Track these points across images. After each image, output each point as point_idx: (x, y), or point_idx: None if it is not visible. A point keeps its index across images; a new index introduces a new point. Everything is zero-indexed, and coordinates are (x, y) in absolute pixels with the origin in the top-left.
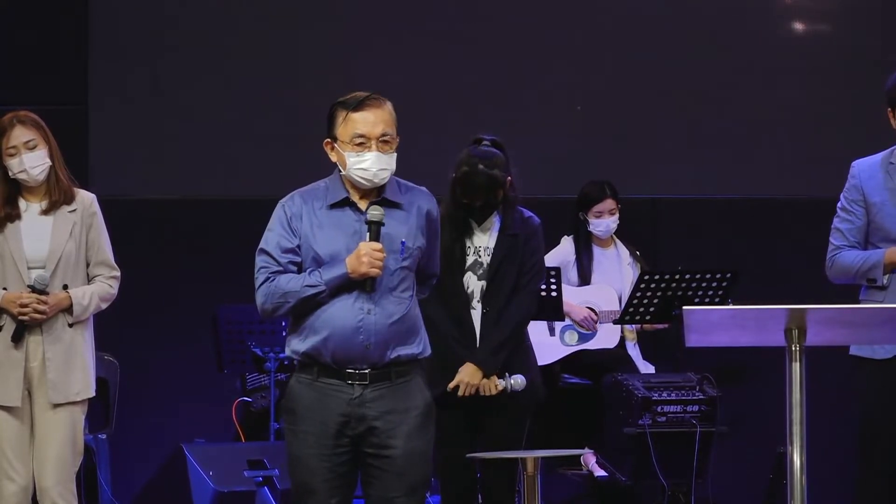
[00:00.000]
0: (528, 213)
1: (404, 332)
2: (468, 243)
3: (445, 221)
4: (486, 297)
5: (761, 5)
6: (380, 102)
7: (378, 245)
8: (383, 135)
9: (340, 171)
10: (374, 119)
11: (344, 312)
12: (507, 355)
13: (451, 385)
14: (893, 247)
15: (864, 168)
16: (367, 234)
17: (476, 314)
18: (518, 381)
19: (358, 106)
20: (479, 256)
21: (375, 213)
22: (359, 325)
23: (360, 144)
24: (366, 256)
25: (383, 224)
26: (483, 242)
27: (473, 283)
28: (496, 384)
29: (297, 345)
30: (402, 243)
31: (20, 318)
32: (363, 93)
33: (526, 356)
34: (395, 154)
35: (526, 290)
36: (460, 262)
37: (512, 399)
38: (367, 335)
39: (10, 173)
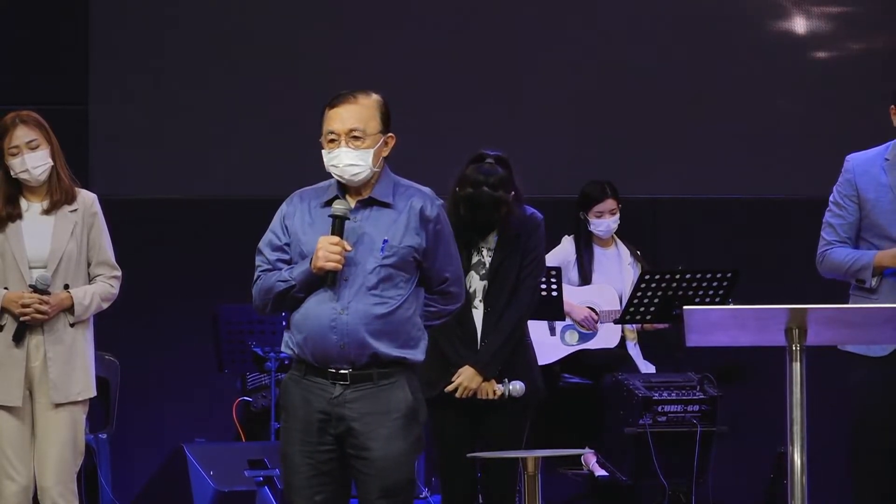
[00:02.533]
0: (530, 209)
1: (386, 333)
2: (471, 244)
3: None
4: (487, 296)
5: (761, 6)
6: (354, 98)
7: (335, 239)
8: (352, 130)
9: None
10: (344, 115)
11: (318, 311)
12: (506, 358)
13: (450, 388)
14: (884, 250)
15: (859, 163)
16: (331, 227)
17: (478, 314)
18: (517, 387)
19: (332, 103)
20: (482, 257)
21: (339, 207)
22: (332, 325)
23: (331, 141)
24: (322, 251)
25: (348, 218)
26: (486, 243)
27: (476, 283)
28: (495, 389)
29: (289, 342)
30: (385, 241)
31: (22, 318)
32: (350, 90)
33: (526, 355)
34: (371, 150)
35: (524, 286)
36: (465, 263)
37: (512, 399)
38: (341, 335)
39: (12, 173)
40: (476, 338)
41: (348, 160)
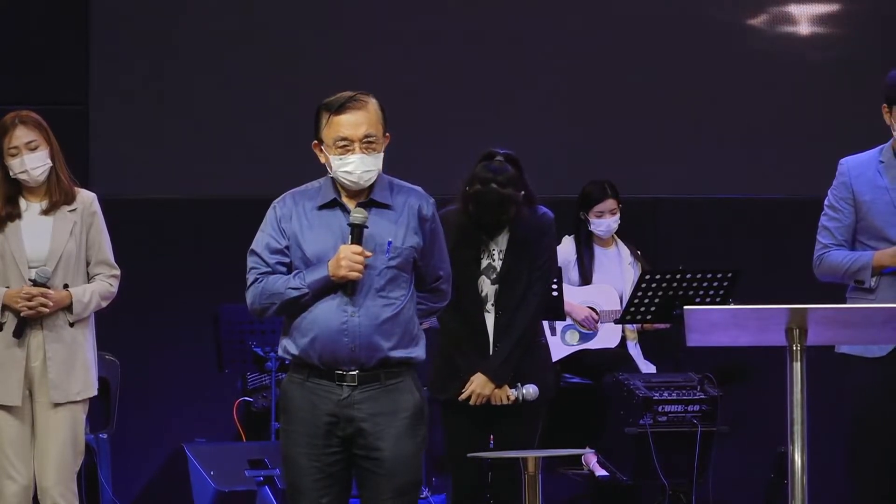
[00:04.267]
0: (542, 209)
1: (394, 334)
2: (482, 247)
3: (458, 231)
4: (498, 300)
5: (761, 6)
6: (362, 104)
7: (358, 248)
8: (366, 136)
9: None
10: (356, 121)
11: (328, 314)
12: (517, 362)
13: (463, 396)
14: (882, 250)
15: (853, 166)
16: (350, 236)
17: (490, 318)
18: (530, 391)
19: (340, 109)
20: (493, 260)
21: (358, 215)
22: (343, 328)
23: (343, 147)
24: (345, 260)
25: (366, 227)
26: (496, 245)
27: (487, 287)
28: (508, 394)
29: (288, 346)
30: (389, 243)
31: (24, 312)
32: (348, 93)
33: (539, 356)
34: (382, 154)
35: (531, 292)
36: (475, 266)
37: (525, 402)
38: (352, 337)
39: (11, 173)
40: (488, 343)
41: (366, 166)
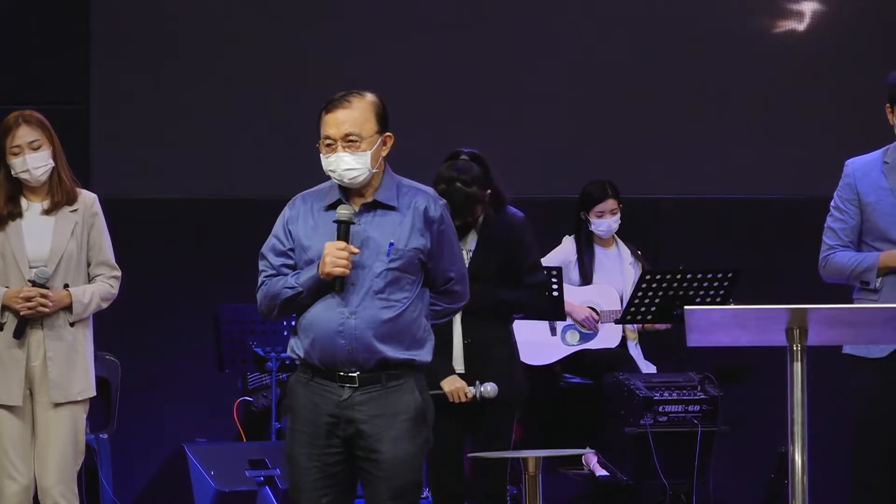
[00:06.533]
0: (511, 209)
1: (394, 336)
2: None
3: None
4: None
5: (761, 5)
6: (348, 103)
7: (341, 244)
8: (347, 135)
9: None
10: (339, 120)
11: (326, 316)
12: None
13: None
14: (888, 250)
15: (859, 167)
16: (336, 233)
17: (457, 315)
18: (488, 389)
19: (327, 107)
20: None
21: (343, 212)
22: (340, 329)
23: (328, 146)
24: (329, 256)
25: (353, 223)
26: (465, 244)
27: None
28: (466, 392)
29: (295, 347)
30: (391, 245)
31: (23, 312)
32: (342, 92)
33: (509, 354)
34: (369, 153)
35: (524, 286)
36: None
37: (485, 399)
38: (349, 339)
39: (13, 172)
40: (451, 340)
41: (345, 165)
